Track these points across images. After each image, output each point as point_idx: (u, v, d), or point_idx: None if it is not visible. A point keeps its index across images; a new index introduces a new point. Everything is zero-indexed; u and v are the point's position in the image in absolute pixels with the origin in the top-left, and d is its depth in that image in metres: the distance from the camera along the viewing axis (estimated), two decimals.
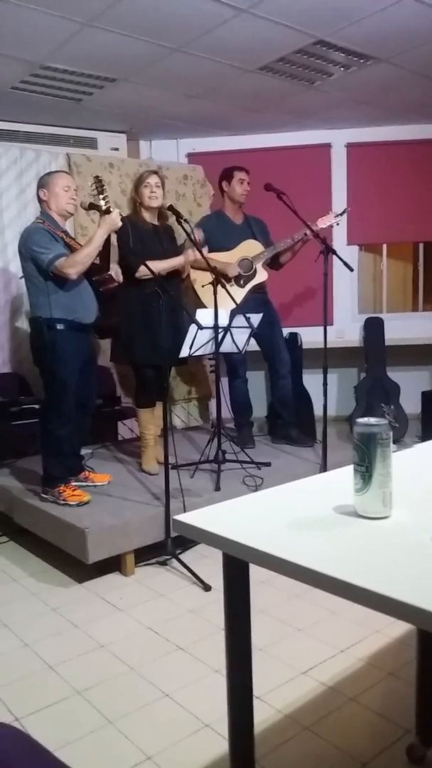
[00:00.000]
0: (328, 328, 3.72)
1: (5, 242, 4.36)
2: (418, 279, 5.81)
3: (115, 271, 3.28)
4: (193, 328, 3.23)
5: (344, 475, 1.31)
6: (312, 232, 3.76)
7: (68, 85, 4.09)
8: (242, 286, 4.03)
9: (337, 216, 4.05)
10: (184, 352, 3.31)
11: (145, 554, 3.05)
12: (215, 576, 2.79)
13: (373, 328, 5.38)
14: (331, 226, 4.11)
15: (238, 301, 3.78)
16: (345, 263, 3.65)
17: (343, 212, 4.19)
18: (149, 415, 3.72)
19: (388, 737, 1.81)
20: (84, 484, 3.36)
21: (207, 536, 1.11)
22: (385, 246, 5.76)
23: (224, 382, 4.08)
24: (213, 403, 4.52)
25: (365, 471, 1.11)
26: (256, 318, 3.56)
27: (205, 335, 3.34)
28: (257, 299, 4.07)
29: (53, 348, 3.08)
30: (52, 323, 3.08)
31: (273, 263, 4.19)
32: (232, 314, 3.45)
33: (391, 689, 2.03)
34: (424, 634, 1.71)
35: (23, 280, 3.18)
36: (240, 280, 4.02)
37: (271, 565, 0.99)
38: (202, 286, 3.88)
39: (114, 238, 3.34)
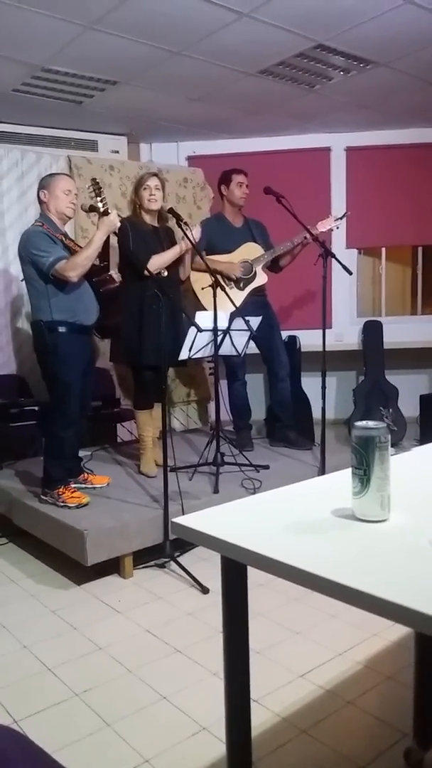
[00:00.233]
0: (327, 331, 3.73)
1: (6, 244, 4.36)
2: (416, 282, 5.82)
3: (116, 276, 3.28)
4: (192, 330, 3.23)
5: (342, 479, 1.32)
6: (311, 236, 3.77)
7: (69, 87, 4.10)
8: (242, 289, 4.04)
9: (337, 220, 4.06)
10: (184, 355, 3.32)
11: (144, 556, 3.05)
12: (213, 579, 2.79)
13: (372, 331, 5.39)
14: (330, 230, 4.11)
15: (238, 304, 3.79)
16: (344, 266, 3.66)
17: (343, 216, 4.19)
18: (148, 417, 3.72)
19: (386, 740, 1.81)
20: (83, 486, 3.36)
21: (205, 539, 1.11)
22: (384, 249, 5.77)
23: (223, 384, 4.08)
24: (212, 405, 4.52)
25: (363, 474, 1.12)
26: (255, 321, 3.57)
27: (205, 338, 3.34)
28: (256, 302, 4.07)
29: (55, 351, 3.09)
30: (53, 326, 3.08)
31: (273, 266, 4.20)
32: (232, 317, 3.46)
33: (388, 693, 2.03)
34: (423, 637, 1.71)
35: (24, 282, 3.18)
36: (240, 282, 4.03)
37: (269, 568, 0.99)
38: (202, 289, 3.88)
39: (114, 240, 3.35)
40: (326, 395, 3.67)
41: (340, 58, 3.79)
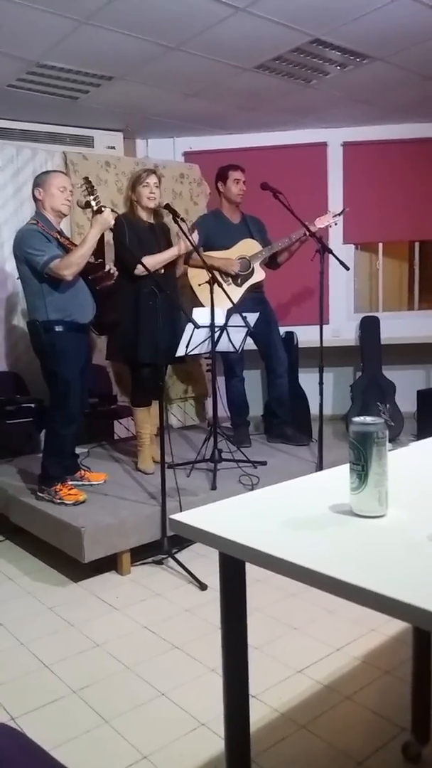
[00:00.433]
0: (324, 327, 3.73)
1: (2, 241, 4.35)
2: (413, 278, 5.81)
3: (112, 271, 3.27)
4: (189, 327, 3.23)
5: (340, 474, 1.31)
6: (309, 232, 3.76)
7: (65, 83, 4.08)
8: (240, 286, 4.03)
9: (335, 216, 4.05)
10: (181, 351, 3.31)
11: (141, 553, 3.05)
12: (211, 575, 2.79)
13: (369, 327, 5.39)
14: (328, 226, 4.11)
15: (236, 301, 3.78)
16: (341, 262, 3.65)
17: (341, 213, 4.19)
18: (146, 414, 3.72)
19: (384, 735, 1.81)
20: (80, 483, 3.36)
21: (204, 535, 1.11)
22: (381, 245, 5.76)
23: (221, 381, 4.08)
24: (209, 402, 4.52)
25: (361, 470, 1.11)
26: (252, 317, 3.56)
27: (202, 334, 3.34)
28: (254, 298, 4.07)
29: (53, 350, 3.09)
30: (49, 325, 3.08)
31: (270, 262, 4.19)
32: (229, 313, 3.45)
33: (386, 687, 2.04)
34: (420, 632, 1.71)
35: (19, 281, 3.17)
36: (237, 279, 4.02)
37: (267, 564, 0.99)
38: (199, 285, 3.88)
39: (109, 236, 3.34)
40: (323, 391, 3.67)
41: (336, 53, 3.78)
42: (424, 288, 5.81)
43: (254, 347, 4.18)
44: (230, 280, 4.00)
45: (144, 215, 3.62)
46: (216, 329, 3.40)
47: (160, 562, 3.04)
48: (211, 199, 4.96)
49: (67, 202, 3.18)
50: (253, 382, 5.11)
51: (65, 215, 3.28)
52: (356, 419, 1.14)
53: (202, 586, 2.79)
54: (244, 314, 3.46)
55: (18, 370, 4.39)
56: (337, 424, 5.33)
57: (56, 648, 2.36)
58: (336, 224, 4.21)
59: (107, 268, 3.24)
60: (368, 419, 1.13)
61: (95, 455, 4.06)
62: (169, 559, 3.01)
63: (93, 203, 3.07)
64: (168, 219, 3.56)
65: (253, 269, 4.05)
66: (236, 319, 3.46)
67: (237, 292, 3.97)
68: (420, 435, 4.71)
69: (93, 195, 3.08)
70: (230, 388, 4.30)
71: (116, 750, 1.79)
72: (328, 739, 1.80)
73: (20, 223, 3.23)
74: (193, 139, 5.47)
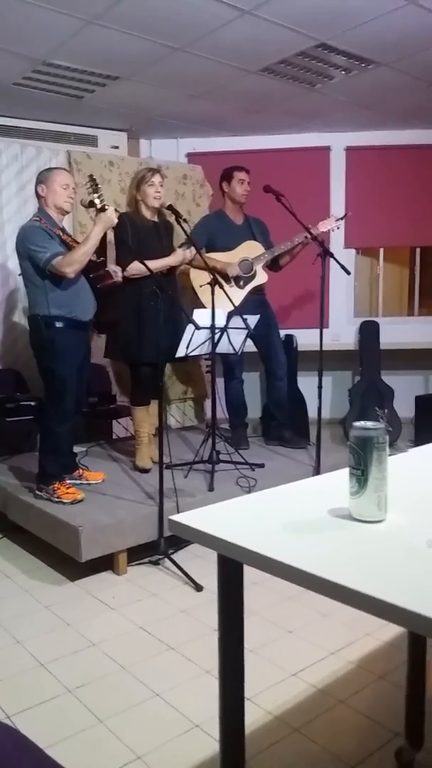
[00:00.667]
0: (323, 330, 3.73)
1: (4, 238, 4.35)
2: (414, 283, 5.82)
3: (113, 270, 3.28)
4: (190, 327, 3.23)
5: (339, 478, 1.32)
6: (310, 235, 3.77)
7: (70, 82, 4.09)
8: (242, 287, 4.03)
9: (337, 220, 4.06)
10: (181, 352, 3.32)
11: (138, 553, 3.05)
12: (207, 576, 2.79)
13: (369, 331, 5.40)
14: (330, 230, 4.11)
15: (238, 303, 3.79)
16: (342, 266, 3.66)
17: (344, 217, 4.19)
18: (145, 413, 3.72)
19: (378, 740, 1.81)
20: (78, 482, 3.36)
21: (203, 537, 1.11)
22: (382, 250, 5.77)
23: (220, 382, 4.09)
24: (208, 403, 4.52)
25: (361, 474, 1.12)
26: (252, 319, 3.57)
27: (202, 335, 3.34)
28: (255, 300, 4.07)
29: (52, 346, 3.09)
30: (50, 321, 3.08)
31: (272, 265, 4.19)
32: (229, 316, 3.46)
33: (381, 692, 2.04)
34: (416, 637, 1.72)
35: (21, 277, 3.18)
36: (240, 281, 4.03)
37: (267, 567, 0.99)
38: (200, 286, 3.88)
39: (111, 235, 3.34)
40: (322, 395, 3.67)
41: (341, 58, 3.79)
42: (424, 294, 5.83)
43: (254, 349, 4.18)
44: (232, 281, 4.00)
45: (148, 214, 3.62)
46: (216, 331, 3.40)
47: (156, 563, 3.04)
48: (214, 201, 4.97)
49: (70, 199, 3.18)
50: (251, 384, 5.11)
51: (68, 212, 3.28)
52: (357, 424, 1.14)
53: (198, 588, 2.79)
54: (244, 316, 3.47)
55: (18, 367, 4.39)
56: (334, 427, 5.34)
57: (52, 647, 2.36)
58: (338, 228, 4.22)
59: (108, 268, 3.23)
60: (369, 424, 1.13)
61: (94, 454, 4.06)
62: (166, 559, 3.01)
63: (97, 201, 3.07)
64: (171, 218, 3.56)
65: (255, 271, 4.05)
66: (237, 320, 3.47)
67: (239, 294, 3.97)
68: (417, 441, 4.71)
69: (98, 193, 3.08)
70: (229, 389, 4.30)
71: (110, 750, 1.80)
72: (321, 743, 1.81)
73: (23, 221, 3.23)
74: (197, 141, 5.48)
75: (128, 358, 3.69)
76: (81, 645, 2.37)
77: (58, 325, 3.09)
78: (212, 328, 3.38)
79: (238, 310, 3.49)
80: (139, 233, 3.54)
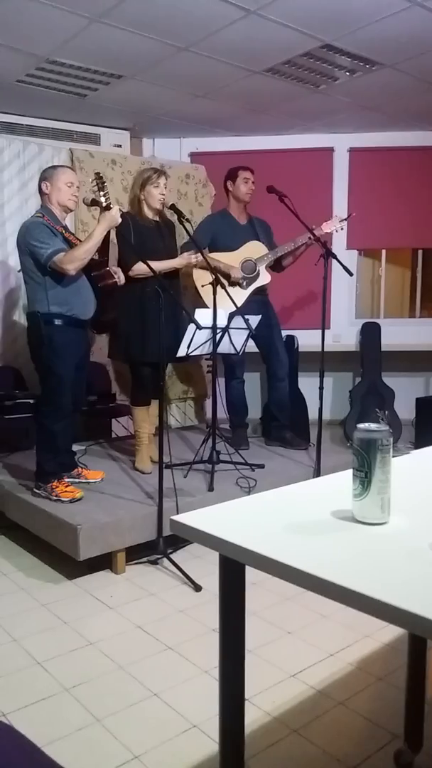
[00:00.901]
0: (325, 331, 3.73)
1: (5, 235, 4.34)
2: (416, 285, 5.82)
3: (114, 271, 3.27)
4: (191, 327, 3.22)
5: (342, 480, 1.31)
6: (313, 236, 3.77)
7: (74, 80, 4.08)
8: (245, 288, 4.03)
9: (341, 221, 4.06)
10: (182, 352, 3.31)
11: (137, 553, 3.05)
12: (206, 576, 2.79)
13: (370, 333, 5.39)
14: (334, 231, 4.10)
15: (241, 303, 3.78)
16: (345, 267, 3.66)
17: (348, 218, 4.19)
18: (145, 413, 3.72)
19: (376, 742, 1.81)
20: (77, 480, 3.35)
21: (204, 537, 1.11)
22: (384, 251, 5.77)
23: (221, 382, 4.08)
24: (209, 403, 4.52)
25: (364, 477, 1.11)
26: (254, 320, 3.56)
27: (203, 335, 3.34)
28: (258, 301, 4.07)
29: (50, 343, 3.08)
30: (49, 318, 3.07)
31: (275, 266, 4.19)
32: (231, 315, 3.45)
33: (380, 694, 2.04)
34: (416, 640, 1.71)
35: (21, 273, 3.17)
36: (243, 281, 4.02)
37: (268, 568, 0.99)
38: (202, 286, 3.88)
39: (113, 235, 3.33)
40: (323, 396, 3.67)
41: (346, 59, 3.78)
42: (426, 296, 5.82)
43: (256, 349, 4.18)
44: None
45: (150, 214, 3.61)
46: (218, 331, 3.40)
47: (155, 562, 3.03)
48: (216, 201, 4.96)
49: (74, 197, 3.18)
50: (252, 384, 5.10)
51: (71, 210, 3.28)
52: (361, 426, 1.14)
53: (197, 588, 2.78)
54: (246, 316, 3.47)
55: (17, 365, 4.38)
56: (335, 428, 5.33)
57: (49, 645, 2.35)
58: (342, 229, 4.22)
59: (109, 268, 3.23)
60: (373, 426, 1.13)
61: (93, 453, 4.05)
62: (164, 559, 3.00)
63: (102, 199, 3.06)
64: (173, 217, 3.55)
65: (258, 272, 4.05)
66: (238, 321, 3.46)
67: (242, 295, 3.97)
68: (418, 443, 4.71)
69: (103, 191, 3.08)
70: (230, 389, 4.29)
71: (107, 749, 1.79)
72: (320, 744, 1.80)
73: (24, 219, 3.22)
74: (200, 140, 5.47)
75: (130, 358, 3.68)
76: (78, 644, 2.36)
77: (57, 322, 3.08)
78: (213, 328, 3.37)
79: (240, 311, 3.48)
80: (141, 233, 3.54)
